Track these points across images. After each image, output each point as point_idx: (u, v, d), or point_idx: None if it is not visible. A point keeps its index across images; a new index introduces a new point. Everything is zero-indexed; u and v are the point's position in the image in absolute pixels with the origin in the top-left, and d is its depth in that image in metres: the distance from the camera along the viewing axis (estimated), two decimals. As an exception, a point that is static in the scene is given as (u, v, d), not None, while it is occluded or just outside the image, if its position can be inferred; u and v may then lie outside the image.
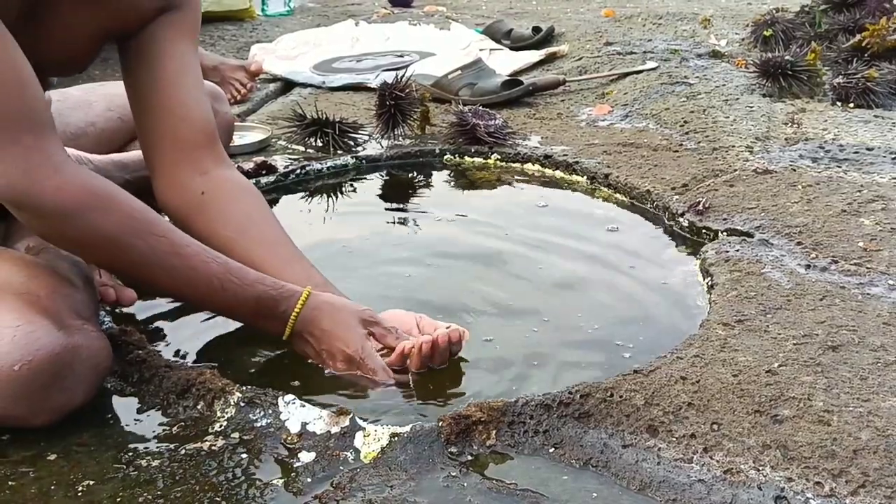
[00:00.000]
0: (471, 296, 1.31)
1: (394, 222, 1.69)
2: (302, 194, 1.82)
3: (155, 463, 0.95)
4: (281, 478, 0.92)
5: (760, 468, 0.88)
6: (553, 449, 0.95)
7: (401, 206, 1.77)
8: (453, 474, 0.92)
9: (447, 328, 1.11)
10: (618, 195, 1.72)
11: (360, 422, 0.97)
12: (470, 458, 0.94)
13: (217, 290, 1.06)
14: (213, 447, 0.97)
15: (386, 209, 1.75)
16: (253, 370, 1.14)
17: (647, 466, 0.91)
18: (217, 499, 0.89)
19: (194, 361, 1.16)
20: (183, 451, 0.96)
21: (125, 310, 1.27)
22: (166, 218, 1.21)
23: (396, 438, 0.95)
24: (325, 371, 1.10)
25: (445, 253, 1.48)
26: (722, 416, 0.95)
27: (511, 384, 1.08)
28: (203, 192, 1.22)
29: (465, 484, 0.90)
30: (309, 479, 0.91)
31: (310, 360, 1.12)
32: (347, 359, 1.08)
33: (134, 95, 1.21)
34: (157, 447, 0.97)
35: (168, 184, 1.24)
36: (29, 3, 1.04)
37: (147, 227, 1.03)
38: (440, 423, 0.95)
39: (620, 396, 0.98)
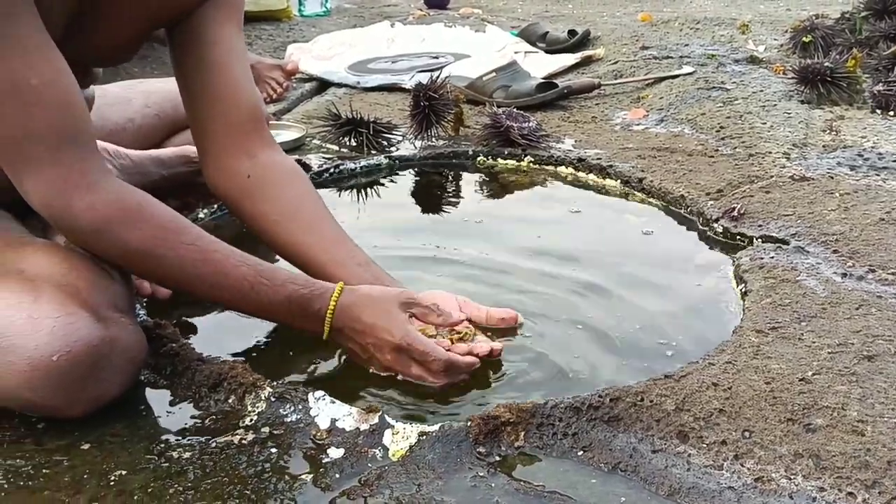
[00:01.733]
0: (504, 297, 1.31)
1: (425, 223, 1.69)
2: (335, 193, 1.83)
3: (186, 455, 0.96)
4: (309, 473, 0.92)
5: (792, 477, 0.87)
6: (582, 452, 0.94)
7: (433, 207, 1.78)
8: (481, 474, 0.92)
9: (494, 315, 1.14)
10: (652, 200, 1.71)
11: (389, 420, 0.97)
12: (498, 458, 0.94)
13: (248, 293, 1.07)
14: (244, 441, 0.98)
15: (418, 210, 1.76)
16: (284, 365, 1.15)
17: (677, 472, 0.90)
18: (246, 492, 0.90)
19: (227, 355, 1.17)
20: (214, 444, 0.97)
21: (159, 303, 1.28)
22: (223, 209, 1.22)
23: (425, 437, 0.95)
24: (371, 370, 1.09)
25: (477, 255, 1.48)
26: (753, 424, 0.94)
27: (541, 386, 1.08)
28: (249, 176, 1.23)
29: (493, 484, 0.90)
30: (337, 475, 0.92)
31: (358, 361, 1.11)
32: (395, 348, 1.06)
33: (183, 82, 1.23)
34: (189, 440, 0.99)
35: (217, 168, 1.25)
36: None
37: (176, 238, 1.04)
38: (469, 423, 0.96)
39: (651, 401, 0.97)
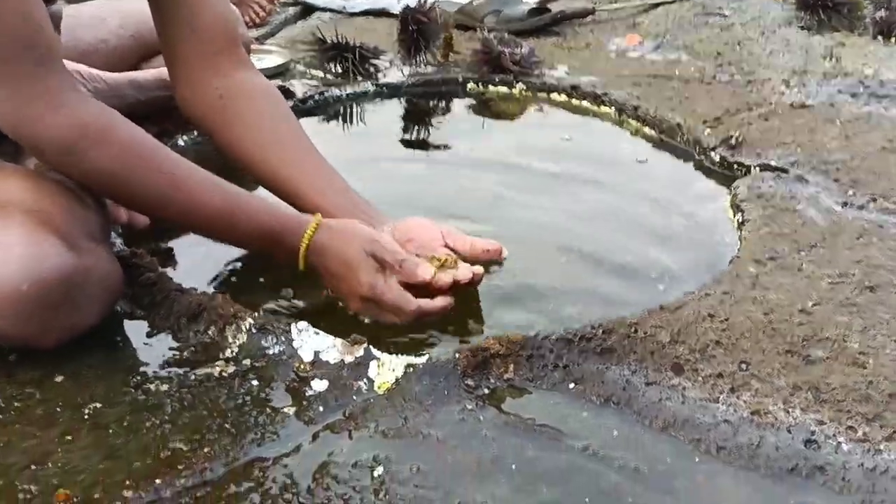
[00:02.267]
0: (494, 223, 1.27)
1: (413, 152, 1.64)
2: (319, 120, 1.77)
3: (164, 388, 0.92)
4: (292, 406, 0.89)
5: (790, 410, 0.84)
6: (573, 385, 0.91)
7: (421, 135, 1.72)
8: (469, 407, 0.89)
9: (478, 246, 1.09)
10: (647, 128, 1.65)
11: (374, 351, 0.94)
12: (487, 391, 0.91)
13: (221, 223, 1.02)
14: (224, 373, 0.95)
15: (405, 139, 1.70)
16: (267, 296, 1.11)
17: (671, 405, 0.88)
18: (226, 425, 0.87)
19: (207, 286, 1.13)
20: (193, 377, 0.94)
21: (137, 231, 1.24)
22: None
23: (412, 369, 0.92)
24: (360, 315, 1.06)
25: (466, 184, 1.43)
26: (751, 356, 0.91)
27: (531, 316, 1.05)
28: (221, 97, 1.17)
29: (482, 417, 0.87)
30: (321, 409, 0.89)
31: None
32: (363, 300, 1.02)
33: (155, 4, 1.16)
34: (167, 372, 0.95)
35: (189, 91, 1.19)
36: None
37: (146, 161, 0.99)
38: (457, 355, 0.92)
39: (645, 333, 0.94)
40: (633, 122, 1.68)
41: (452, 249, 1.10)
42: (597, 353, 0.93)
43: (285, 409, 0.89)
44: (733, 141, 1.45)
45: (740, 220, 1.23)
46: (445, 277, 1.03)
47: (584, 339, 0.94)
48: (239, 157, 1.18)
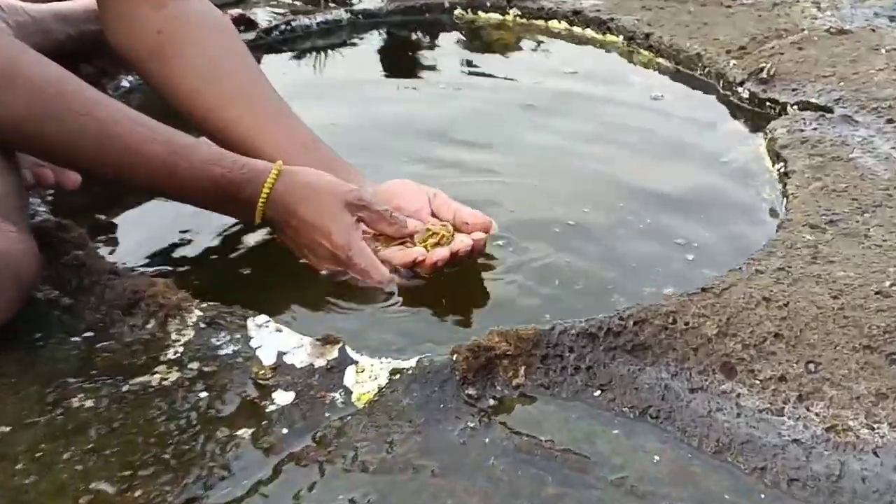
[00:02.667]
0: (488, 185, 1.08)
1: (393, 92, 1.43)
2: (287, 56, 1.55)
3: (89, 403, 0.74)
4: (248, 427, 0.71)
5: (876, 426, 0.67)
6: (599, 392, 0.73)
7: (403, 72, 1.51)
8: (471, 425, 0.71)
9: (463, 216, 0.90)
10: (661, 59, 1.45)
11: (351, 353, 0.76)
12: (492, 402, 0.73)
13: (162, 175, 0.83)
14: (165, 382, 0.76)
15: (385, 76, 1.49)
16: (220, 279, 0.92)
17: (724, 419, 0.70)
18: (165, 456, 0.68)
19: (148, 266, 0.93)
20: (126, 388, 0.75)
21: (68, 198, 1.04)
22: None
23: (398, 376, 0.74)
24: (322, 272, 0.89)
25: (456, 130, 1.23)
26: (820, 353, 0.73)
27: (539, 303, 0.86)
28: (159, 31, 0.97)
29: (487, 440, 0.69)
30: (284, 430, 0.71)
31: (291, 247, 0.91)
32: (332, 257, 0.86)
33: None
34: (94, 382, 0.76)
35: (121, 28, 0.99)
36: None
37: (64, 105, 0.80)
38: (454, 357, 0.74)
39: (686, 324, 0.76)
40: (645, 53, 1.48)
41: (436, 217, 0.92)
42: (627, 350, 0.75)
43: (240, 432, 0.71)
44: (764, 74, 1.26)
45: (782, 171, 1.04)
46: (442, 253, 0.85)
47: (612, 332, 0.75)
48: (181, 104, 0.98)
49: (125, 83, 1.33)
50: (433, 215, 0.93)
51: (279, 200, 0.86)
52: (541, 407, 0.73)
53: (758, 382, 0.72)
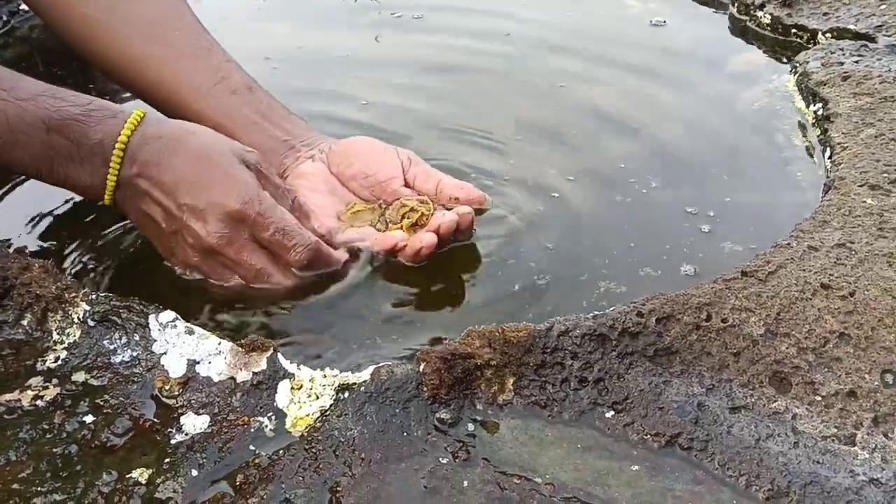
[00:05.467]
0: (460, 139, 0.89)
1: (343, 15, 1.22)
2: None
3: (-67, 432, 0.55)
4: (146, 468, 0.53)
5: (983, 465, 0.50)
6: (612, 413, 0.56)
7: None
8: (444, 461, 0.53)
9: (448, 190, 0.71)
10: (663, -23, 1.25)
11: (285, 364, 0.57)
12: (472, 428, 0.55)
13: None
14: (38, 401, 0.57)
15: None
16: (118, 265, 0.72)
17: (777, 450, 0.53)
18: (29, 512, 0.50)
19: (25, 244, 0.74)
20: (-13, 410, 0.57)
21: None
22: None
23: (347, 395, 0.56)
24: (187, 274, 0.69)
25: (418, 68, 1.03)
26: (901, 360, 0.56)
27: (535, 294, 0.68)
28: None
29: (466, 483, 0.52)
30: (193, 472, 0.53)
31: (153, 239, 0.70)
32: (229, 219, 0.65)
33: None
34: (-56, 402, 0.58)
35: None
36: None
37: None
38: (421, 367, 0.56)
39: (724, 320, 0.58)
40: (644, -30, 1.28)
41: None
42: (648, 356, 0.57)
43: (135, 474, 0.53)
44: (789, -5, 1.06)
45: (820, 114, 0.86)
46: (429, 239, 0.67)
47: (627, 333, 0.58)
48: (82, 39, 0.77)
49: (24, 7, 1.11)
50: (408, 186, 0.74)
51: (145, 150, 0.65)
52: (536, 433, 0.55)
53: (819, 399, 0.55)
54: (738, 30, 1.10)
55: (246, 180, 0.65)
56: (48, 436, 0.55)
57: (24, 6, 1.09)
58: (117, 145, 0.64)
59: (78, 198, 0.79)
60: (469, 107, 0.95)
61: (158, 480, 0.52)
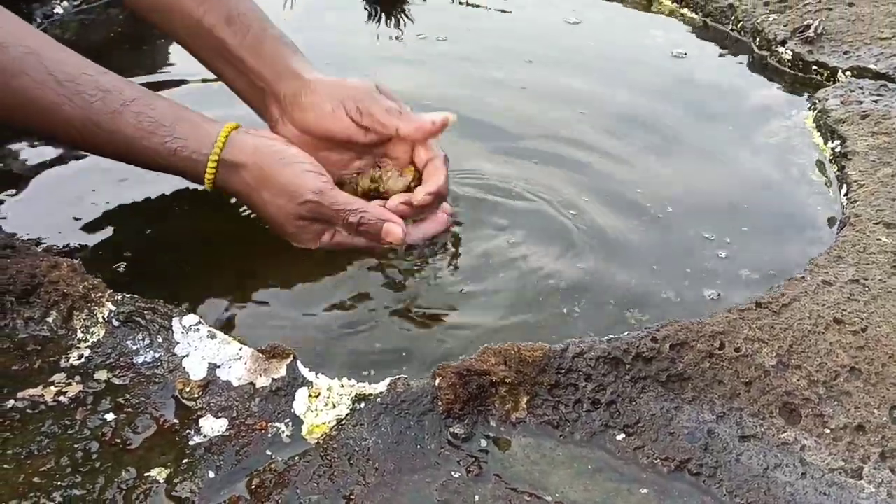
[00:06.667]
0: (479, 157, 0.90)
1: (365, 42, 1.23)
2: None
3: (-40, 424, 0.57)
4: (164, 468, 0.54)
5: None
6: (623, 436, 0.57)
7: (379, 18, 1.31)
8: (456, 475, 0.54)
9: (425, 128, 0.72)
10: (686, 10, 1.26)
11: (304, 371, 0.59)
12: (485, 444, 0.56)
13: (84, 141, 0.68)
14: (62, 397, 0.59)
15: (357, 21, 1.29)
16: (145, 266, 0.74)
17: (784, 480, 0.54)
18: (48, 502, 0.51)
19: (57, 242, 0.75)
20: (11, 403, 0.58)
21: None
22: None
23: (363, 405, 0.57)
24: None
25: (431, 88, 1.04)
26: (910, 397, 0.57)
27: (552, 314, 0.69)
28: None
29: (477, 497, 0.53)
30: (211, 473, 0.54)
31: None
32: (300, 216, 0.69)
33: None
34: (-30, 394, 0.59)
35: None
36: None
37: None
38: (437, 381, 0.57)
39: (737, 349, 0.59)
40: (667, 2, 1.29)
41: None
42: (660, 382, 0.58)
43: (153, 473, 0.54)
44: (811, 32, 1.07)
45: (838, 151, 0.87)
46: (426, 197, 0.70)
47: (641, 358, 0.58)
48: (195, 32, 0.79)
49: (59, 10, 1.13)
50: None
51: (231, 181, 0.70)
52: (547, 452, 0.56)
53: (828, 432, 0.55)
54: (759, 65, 1.11)
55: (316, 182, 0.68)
56: (69, 432, 0.56)
57: (58, 10, 1.12)
58: (207, 183, 0.70)
59: (107, 199, 0.80)
60: (491, 125, 0.96)
61: (176, 480, 0.53)
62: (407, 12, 1.28)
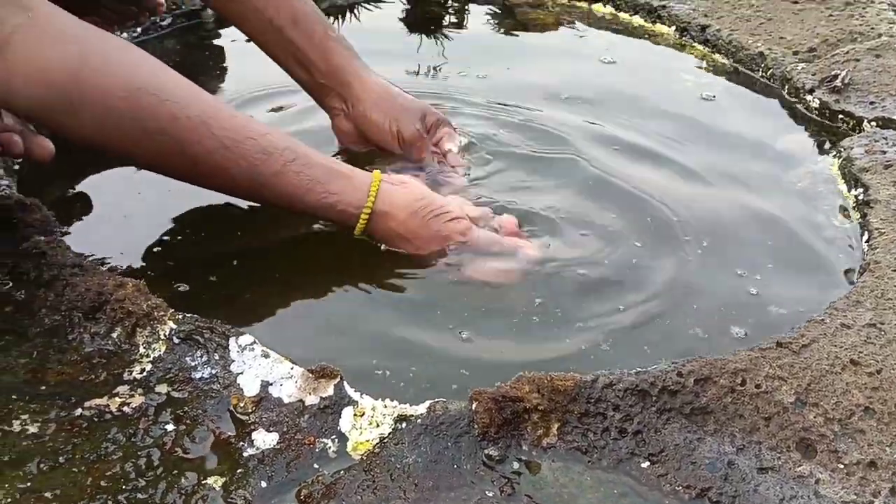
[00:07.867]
0: (502, 195, 0.94)
1: (415, 70, 1.29)
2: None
3: (33, 428, 0.61)
4: (220, 476, 0.58)
5: None
6: (648, 464, 0.60)
7: (426, 49, 1.37)
8: (490, 494, 0.58)
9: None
10: (717, 56, 1.31)
11: (350, 391, 0.63)
12: (517, 466, 0.60)
13: (246, 196, 0.81)
14: (125, 408, 0.63)
15: (407, 52, 1.34)
16: (205, 288, 0.79)
17: (800, 511, 0.57)
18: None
19: (121, 262, 0.80)
20: (79, 412, 0.63)
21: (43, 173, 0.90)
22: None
23: (404, 425, 0.61)
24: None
25: (476, 124, 1.09)
26: (921, 437, 0.60)
27: (581, 346, 0.73)
28: None
29: (509, 515, 0.57)
30: (263, 483, 0.58)
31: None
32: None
33: None
34: (40, 401, 0.64)
35: None
36: None
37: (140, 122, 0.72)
38: (473, 406, 0.61)
39: (758, 386, 0.63)
40: (699, 47, 1.34)
41: None
42: (684, 414, 0.62)
43: (210, 480, 0.58)
44: (838, 82, 1.11)
45: (861, 199, 0.91)
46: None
47: (667, 391, 0.62)
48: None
49: (163, 23, 1.19)
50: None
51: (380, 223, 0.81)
52: (576, 477, 0.60)
53: (842, 467, 0.59)
54: (787, 111, 1.15)
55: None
56: (133, 440, 0.61)
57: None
58: (359, 228, 0.79)
59: (170, 221, 0.86)
60: (524, 157, 1.01)
61: (231, 488, 0.57)
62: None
